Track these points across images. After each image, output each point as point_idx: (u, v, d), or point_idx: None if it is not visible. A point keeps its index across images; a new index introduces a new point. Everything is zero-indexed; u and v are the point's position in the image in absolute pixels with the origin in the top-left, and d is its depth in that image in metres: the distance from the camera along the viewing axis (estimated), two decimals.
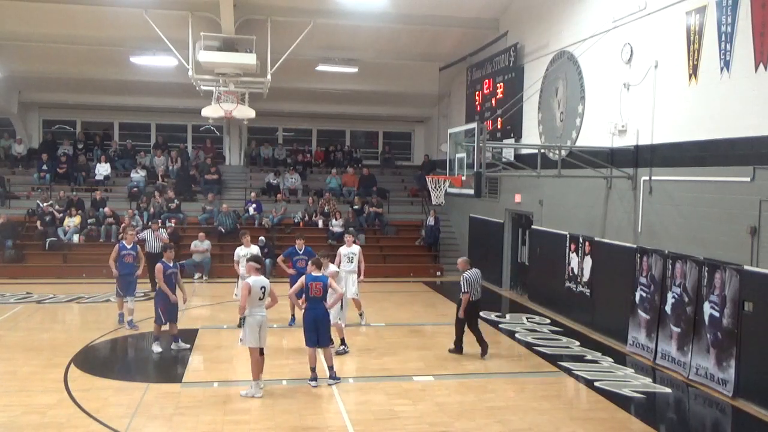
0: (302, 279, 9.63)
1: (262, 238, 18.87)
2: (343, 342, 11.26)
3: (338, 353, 10.89)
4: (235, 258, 13.45)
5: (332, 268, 10.88)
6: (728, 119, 9.74)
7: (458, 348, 11.47)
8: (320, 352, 9.79)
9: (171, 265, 11.25)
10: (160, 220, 19.09)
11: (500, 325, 13.70)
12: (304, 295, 9.55)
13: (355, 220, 21.45)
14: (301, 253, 13.19)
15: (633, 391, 9.64)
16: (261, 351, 9.21)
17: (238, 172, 24.59)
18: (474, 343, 11.36)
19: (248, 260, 9.74)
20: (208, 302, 15.75)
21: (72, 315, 14.29)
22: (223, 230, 19.97)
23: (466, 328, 11.35)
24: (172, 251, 11.58)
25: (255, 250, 13.12)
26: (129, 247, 12.95)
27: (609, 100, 12.80)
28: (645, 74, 11.67)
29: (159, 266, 11.10)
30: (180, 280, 11.51)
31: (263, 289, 9.18)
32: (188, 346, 11.36)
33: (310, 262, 9.95)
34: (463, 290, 11.09)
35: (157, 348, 11.13)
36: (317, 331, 9.48)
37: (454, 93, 22.01)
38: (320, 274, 9.58)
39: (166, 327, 11.22)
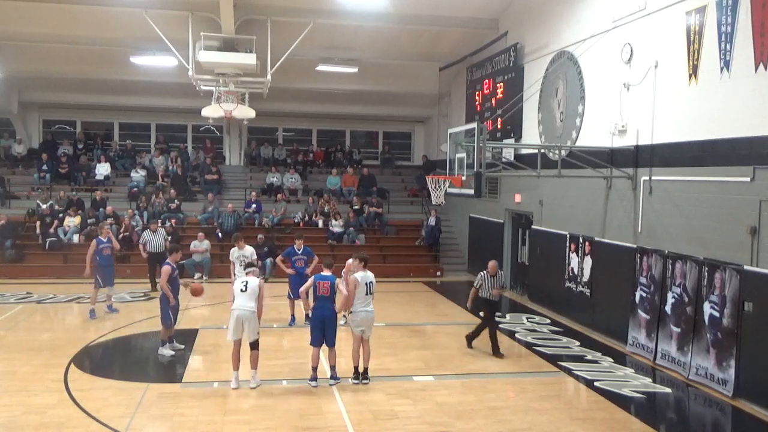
0: (312, 279, 9.76)
1: (260, 236, 18.93)
2: (363, 372, 9.76)
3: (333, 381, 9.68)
4: (230, 259, 13.13)
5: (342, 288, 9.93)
6: (728, 119, 9.74)
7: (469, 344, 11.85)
8: (323, 352, 9.79)
9: (175, 266, 11.15)
10: (159, 220, 19.09)
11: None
12: (312, 295, 9.70)
13: (355, 220, 21.47)
14: (299, 252, 13.22)
15: (633, 391, 9.65)
16: (254, 344, 9.43)
17: (238, 172, 24.60)
18: (474, 344, 11.66)
19: (245, 267, 10.37)
20: (207, 302, 15.73)
21: (72, 315, 14.27)
22: (220, 234, 19.91)
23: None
24: (179, 253, 11.47)
25: (248, 251, 12.94)
26: (105, 240, 13.93)
27: (609, 100, 12.80)
28: (645, 74, 11.67)
29: (166, 268, 10.84)
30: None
31: (245, 283, 9.50)
32: (182, 347, 11.32)
33: (322, 264, 10.06)
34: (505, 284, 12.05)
35: (168, 351, 10.96)
36: (323, 330, 9.50)
37: (454, 93, 22.00)
38: (329, 274, 9.65)
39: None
